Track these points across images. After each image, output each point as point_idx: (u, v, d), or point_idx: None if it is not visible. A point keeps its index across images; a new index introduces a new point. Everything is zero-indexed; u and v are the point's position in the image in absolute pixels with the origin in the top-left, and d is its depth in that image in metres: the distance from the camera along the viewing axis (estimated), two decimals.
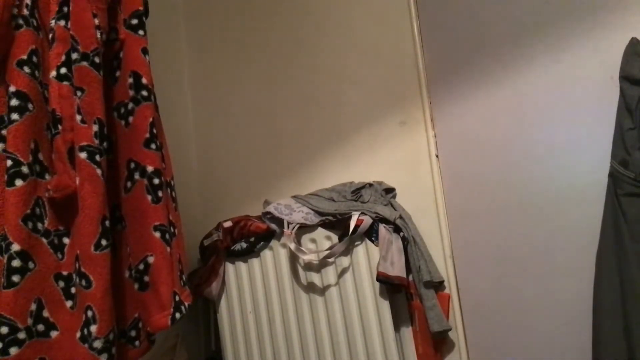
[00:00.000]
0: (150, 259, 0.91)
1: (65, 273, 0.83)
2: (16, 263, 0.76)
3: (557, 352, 1.10)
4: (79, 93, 0.85)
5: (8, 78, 0.80)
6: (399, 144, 1.31)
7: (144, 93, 0.95)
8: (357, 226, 1.14)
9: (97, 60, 0.87)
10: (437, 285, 1.20)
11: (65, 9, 0.86)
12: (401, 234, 1.18)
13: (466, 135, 1.24)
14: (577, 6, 1.11)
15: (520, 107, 1.17)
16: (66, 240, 0.85)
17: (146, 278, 0.92)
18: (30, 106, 0.81)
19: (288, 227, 1.22)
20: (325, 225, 1.22)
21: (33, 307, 0.78)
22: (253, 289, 1.32)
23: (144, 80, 0.95)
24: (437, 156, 1.26)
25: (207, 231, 1.40)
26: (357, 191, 1.27)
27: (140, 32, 0.97)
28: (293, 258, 1.26)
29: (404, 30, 1.32)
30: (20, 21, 0.82)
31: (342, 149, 1.40)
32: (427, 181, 1.26)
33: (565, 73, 1.12)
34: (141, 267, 0.92)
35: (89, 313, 0.80)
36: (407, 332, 1.18)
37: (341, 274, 1.19)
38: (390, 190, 1.29)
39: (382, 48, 1.36)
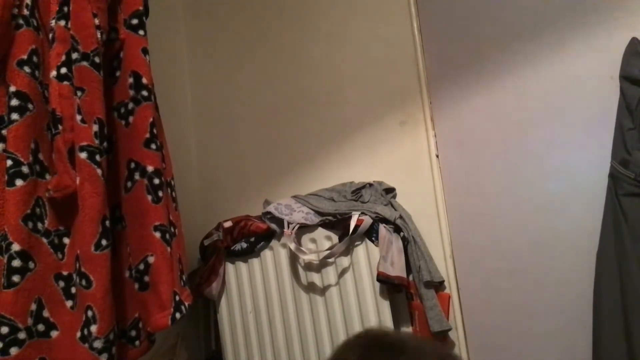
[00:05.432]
0: (151, 259, 0.91)
1: (65, 273, 0.83)
2: (16, 263, 0.76)
3: (557, 351, 1.10)
4: (79, 93, 0.85)
5: (8, 78, 0.80)
6: (399, 144, 1.31)
7: (144, 93, 0.95)
8: (357, 226, 1.14)
9: (97, 60, 0.87)
10: (437, 285, 1.20)
11: (66, 8, 0.86)
12: (401, 233, 1.18)
13: (466, 136, 1.24)
14: (577, 6, 1.11)
15: (521, 106, 1.17)
16: (66, 240, 0.85)
17: (146, 278, 0.92)
18: (30, 106, 0.81)
19: (288, 227, 1.22)
20: (325, 225, 1.22)
21: (33, 307, 0.78)
22: (253, 288, 1.32)
23: (144, 80, 0.95)
24: (437, 156, 1.26)
25: (207, 231, 1.40)
26: (357, 191, 1.27)
27: (141, 32, 0.97)
28: (293, 258, 1.26)
29: (404, 30, 1.32)
30: (21, 21, 0.82)
31: (342, 148, 1.40)
32: (427, 181, 1.26)
33: (565, 73, 1.12)
34: (141, 267, 0.92)
35: (89, 313, 0.80)
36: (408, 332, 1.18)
37: (341, 274, 1.19)
38: (390, 190, 1.29)
39: (382, 48, 1.36)
